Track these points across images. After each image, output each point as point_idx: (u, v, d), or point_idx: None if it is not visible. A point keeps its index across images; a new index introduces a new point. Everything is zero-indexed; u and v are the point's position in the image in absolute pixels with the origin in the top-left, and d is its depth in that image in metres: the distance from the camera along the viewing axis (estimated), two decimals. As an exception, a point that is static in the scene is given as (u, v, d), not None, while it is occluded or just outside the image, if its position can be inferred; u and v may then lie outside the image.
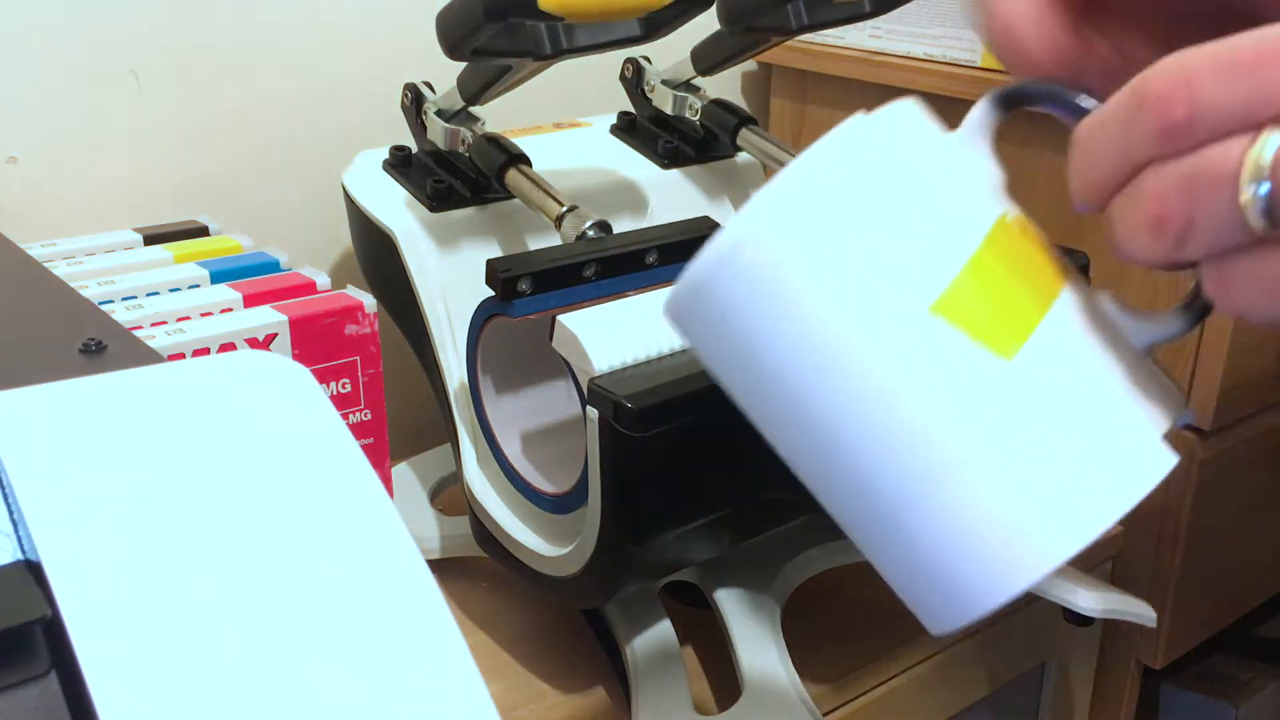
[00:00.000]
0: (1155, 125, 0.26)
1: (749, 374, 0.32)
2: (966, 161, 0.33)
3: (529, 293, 0.59)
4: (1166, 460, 0.31)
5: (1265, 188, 0.25)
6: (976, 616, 0.31)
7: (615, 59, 0.78)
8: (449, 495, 0.82)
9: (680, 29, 0.63)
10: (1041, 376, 0.30)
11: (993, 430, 0.30)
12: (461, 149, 0.72)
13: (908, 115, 0.32)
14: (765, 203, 0.31)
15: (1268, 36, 0.25)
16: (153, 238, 0.74)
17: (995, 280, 0.30)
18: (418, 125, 0.75)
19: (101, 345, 0.40)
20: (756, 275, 0.31)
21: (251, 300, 0.65)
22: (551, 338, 0.56)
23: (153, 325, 0.61)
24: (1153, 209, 0.27)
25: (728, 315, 0.32)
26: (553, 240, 0.68)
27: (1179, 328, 0.32)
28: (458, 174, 0.73)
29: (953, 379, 0.30)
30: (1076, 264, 0.36)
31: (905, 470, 0.30)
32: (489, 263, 0.59)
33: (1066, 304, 0.31)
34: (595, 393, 0.53)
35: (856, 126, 0.31)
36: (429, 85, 0.75)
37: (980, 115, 0.33)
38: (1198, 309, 0.31)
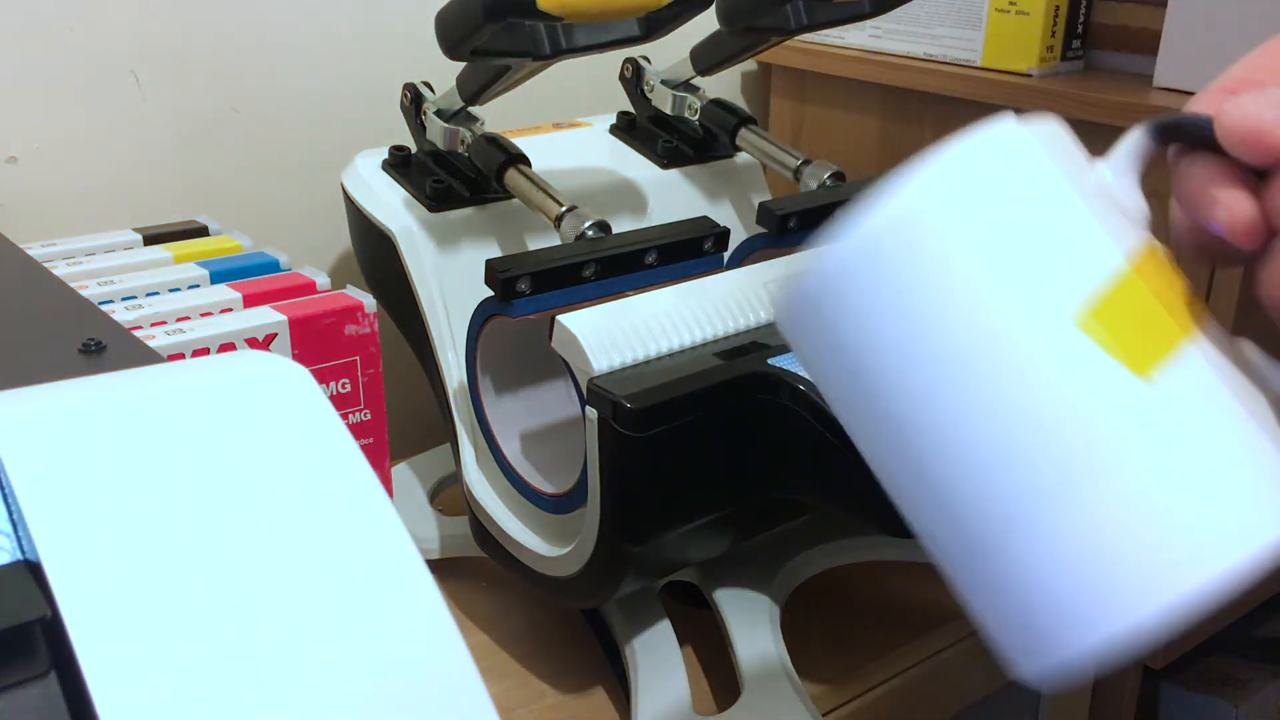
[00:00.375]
0: None
1: (872, 371, 0.30)
2: (1117, 187, 0.32)
3: (528, 293, 0.59)
4: None
5: None
6: (1077, 657, 0.28)
7: (614, 59, 0.78)
8: (448, 495, 0.82)
9: (679, 29, 0.63)
10: (1183, 400, 0.29)
11: (1126, 447, 0.28)
12: (461, 149, 0.72)
13: (1060, 131, 0.31)
14: (926, 183, 0.29)
15: None
16: (152, 238, 0.74)
17: (1141, 299, 0.29)
18: (417, 125, 0.75)
19: (101, 345, 0.40)
20: (910, 253, 0.29)
21: (251, 300, 0.65)
22: (551, 338, 0.56)
23: (152, 325, 0.61)
24: None
25: (869, 299, 0.30)
26: (552, 240, 0.68)
27: None
28: (457, 174, 0.73)
29: (1091, 390, 0.28)
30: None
31: (1028, 480, 0.28)
32: (488, 263, 0.59)
33: (1209, 339, 0.30)
34: (594, 393, 0.53)
35: (1013, 128, 0.30)
36: (428, 85, 0.75)
37: (1132, 145, 0.32)
38: None
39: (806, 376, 0.53)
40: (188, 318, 0.63)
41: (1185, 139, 0.31)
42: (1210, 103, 0.31)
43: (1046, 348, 0.29)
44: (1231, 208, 0.29)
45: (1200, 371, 0.29)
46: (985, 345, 0.29)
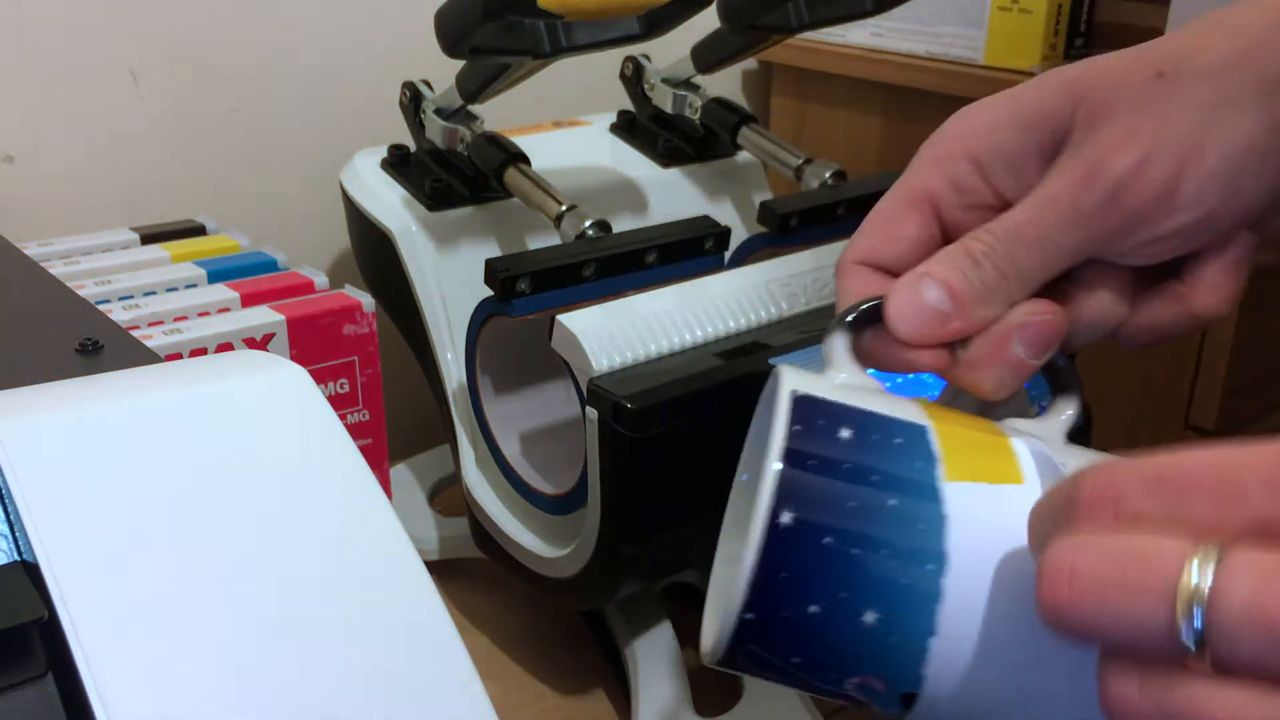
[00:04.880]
0: (1085, 528, 0.26)
1: None
2: (858, 381, 0.35)
3: (528, 292, 0.59)
4: None
5: (1199, 615, 0.24)
6: None
7: (615, 57, 0.78)
8: (448, 496, 0.82)
9: (680, 27, 0.63)
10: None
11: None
12: (460, 148, 0.72)
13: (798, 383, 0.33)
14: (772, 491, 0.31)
15: (1193, 462, 0.25)
16: (150, 237, 0.74)
17: (964, 437, 0.32)
18: (416, 124, 0.74)
19: (98, 345, 0.40)
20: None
21: (249, 300, 0.65)
22: (550, 338, 0.56)
23: (150, 325, 0.61)
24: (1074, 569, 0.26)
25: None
26: (552, 239, 0.68)
27: None
28: (456, 173, 0.73)
29: (1000, 513, 0.31)
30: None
31: None
32: (488, 262, 0.59)
33: (1012, 430, 0.34)
34: (594, 393, 0.53)
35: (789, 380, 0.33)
36: (427, 84, 0.74)
37: (839, 347, 0.36)
38: None
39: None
40: (185, 317, 0.63)
41: (868, 321, 0.37)
42: (860, 278, 0.39)
43: (948, 510, 0.31)
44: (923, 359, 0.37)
45: (1035, 461, 0.33)
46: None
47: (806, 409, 0.32)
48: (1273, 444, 0.25)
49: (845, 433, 0.32)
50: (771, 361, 0.54)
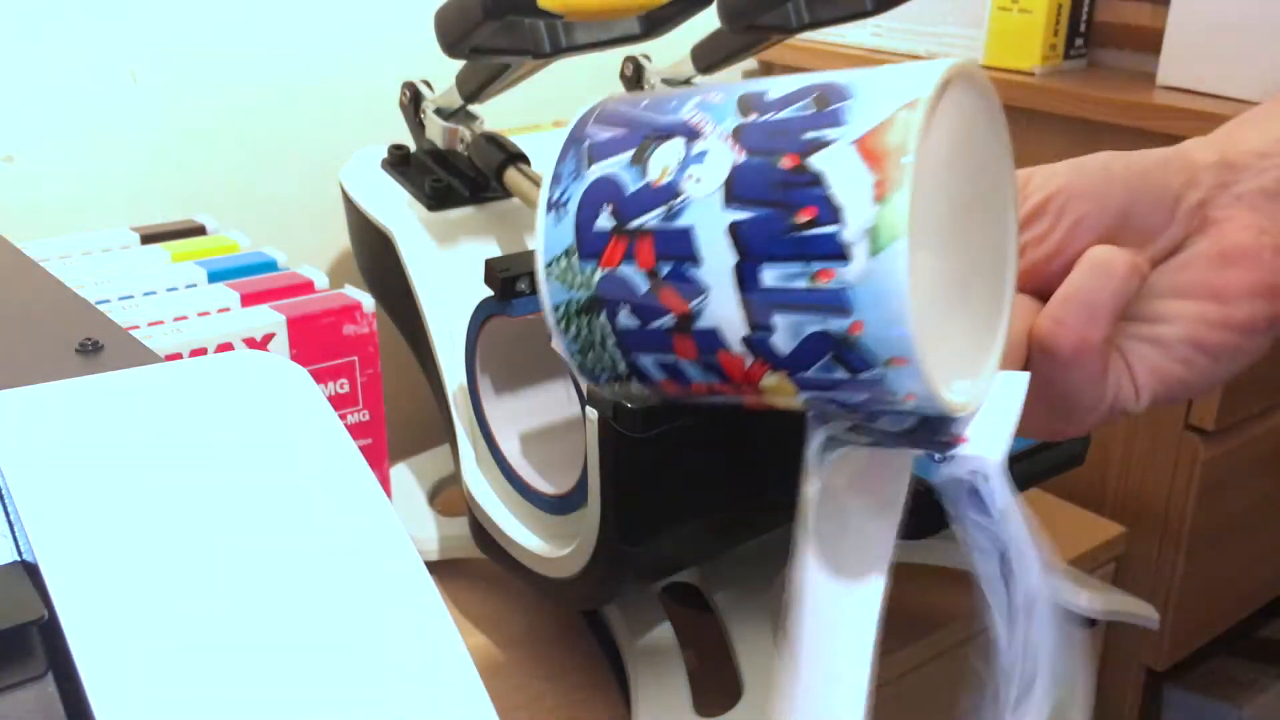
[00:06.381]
0: None
1: None
2: None
3: (528, 292, 0.59)
4: None
5: None
6: None
7: (615, 57, 0.78)
8: (448, 496, 0.82)
9: (680, 27, 0.63)
10: None
11: None
12: (460, 147, 0.72)
13: None
14: None
15: None
16: (150, 237, 0.74)
17: None
18: (416, 124, 0.74)
19: (98, 345, 0.39)
20: None
21: (249, 300, 0.65)
22: (551, 338, 0.56)
23: (150, 325, 0.61)
24: None
25: None
26: (552, 239, 0.68)
27: None
28: (456, 173, 0.72)
29: None
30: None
31: None
32: (488, 262, 0.59)
33: None
34: (595, 393, 0.53)
35: None
36: (427, 83, 0.74)
37: None
38: None
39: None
40: (185, 317, 0.63)
41: None
42: None
43: None
44: None
45: None
46: None
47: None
48: None
49: None
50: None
